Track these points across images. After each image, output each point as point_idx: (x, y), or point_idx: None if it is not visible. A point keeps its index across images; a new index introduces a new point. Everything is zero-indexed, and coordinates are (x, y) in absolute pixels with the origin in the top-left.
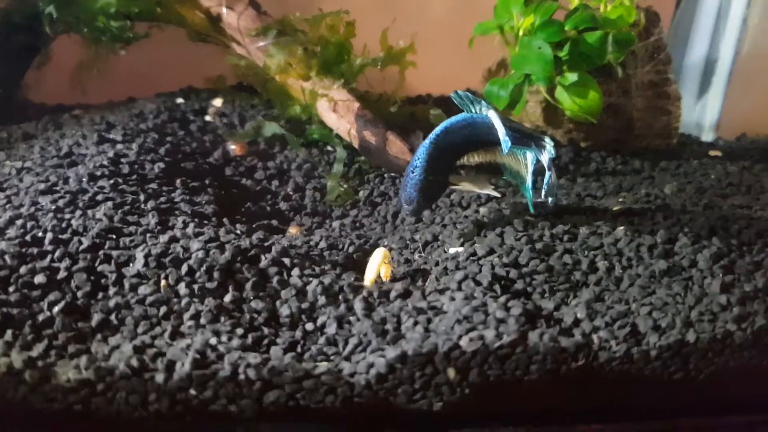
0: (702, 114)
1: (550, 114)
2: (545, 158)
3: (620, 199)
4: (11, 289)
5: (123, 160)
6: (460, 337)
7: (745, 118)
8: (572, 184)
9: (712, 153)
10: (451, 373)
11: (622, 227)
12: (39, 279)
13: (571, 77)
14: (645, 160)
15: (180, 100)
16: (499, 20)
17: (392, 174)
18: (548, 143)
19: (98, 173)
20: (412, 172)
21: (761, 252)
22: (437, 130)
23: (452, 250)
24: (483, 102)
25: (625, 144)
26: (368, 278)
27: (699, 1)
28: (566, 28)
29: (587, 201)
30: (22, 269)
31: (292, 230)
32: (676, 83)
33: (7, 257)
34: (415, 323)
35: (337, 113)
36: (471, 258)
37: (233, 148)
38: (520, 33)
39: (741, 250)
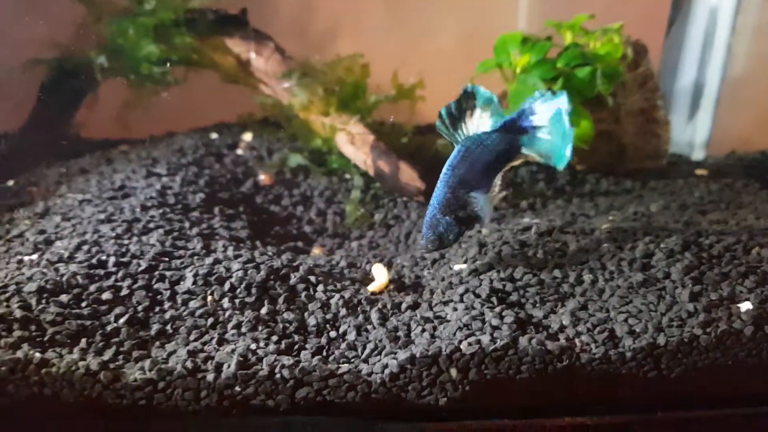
0: (693, 134)
1: None
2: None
3: (610, 218)
4: (84, 304)
5: (168, 191)
6: (460, 341)
7: (734, 136)
8: (568, 205)
9: (698, 172)
10: (454, 372)
11: (606, 244)
12: (106, 296)
13: None
14: (636, 180)
15: (214, 135)
16: (498, 59)
17: (404, 198)
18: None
19: (149, 204)
20: (428, 214)
21: (729, 264)
22: (445, 170)
23: (456, 267)
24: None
25: (618, 166)
26: (377, 285)
27: (686, 30)
28: (558, 65)
29: (580, 219)
30: (92, 287)
31: (316, 251)
32: (665, 109)
33: (78, 278)
34: (423, 330)
35: (354, 145)
36: (472, 273)
37: (262, 178)
38: (518, 70)
39: (711, 263)
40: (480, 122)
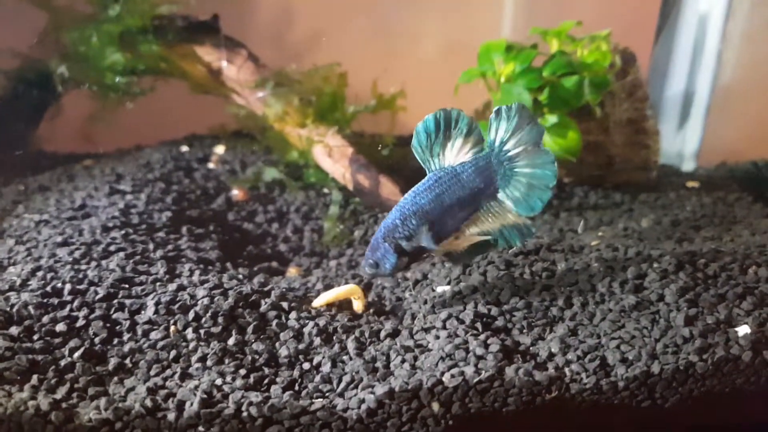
0: (683, 144)
1: None
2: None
3: (599, 234)
4: (35, 337)
5: (133, 210)
6: (443, 373)
7: (724, 146)
8: (555, 219)
9: (690, 185)
10: (436, 406)
11: (596, 264)
12: (60, 327)
13: (551, 119)
14: (625, 193)
15: (185, 148)
16: (482, 67)
17: (385, 214)
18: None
19: (110, 224)
20: (374, 235)
21: (725, 285)
22: (407, 194)
23: (439, 289)
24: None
25: (606, 178)
26: (319, 301)
27: (675, 38)
28: (545, 74)
29: (568, 236)
30: (45, 319)
31: (292, 271)
32: (654, 119)
33: (30, 308)
34: (403, 361)
35: (332, 158)
36: (456, 297)
37: (236, 193)
38: (502, 79)
39: (706, 284)
40: (459, 152)
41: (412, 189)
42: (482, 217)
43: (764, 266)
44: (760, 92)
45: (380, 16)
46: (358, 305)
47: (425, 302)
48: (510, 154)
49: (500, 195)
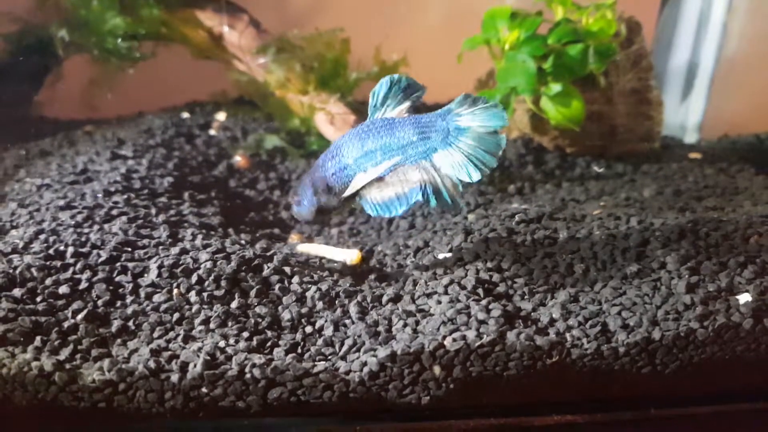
0: (686, 116)
1: (537, 122)
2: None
3: (601, 203)
4: (38, 299)
5: (134, 175)
6: (444, 337)
7: (727, 119)
8: (557, 189)
9: (692, 156)
10: (437, 370)
11: (598, 232)
12: (63, 290)
13: (555, 88)
14: (628, 163)
15: (185, 115)
16: (486, 35)
17: None
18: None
19: (112, 189)
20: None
21: (727, 253)
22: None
23: (441, 256)
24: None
25: (609, 149)
26: (310, 249)
27: (681, 8)
28: (549, 41)
29: (570, 205)
30: (48, 281)
31: (294, 237)
32: (658, 89)
33: (33, 270)
34: (405, 325)
35: (334, 126)
36: (458, 263)
37: (238, 159)
38: (506, 47)
39: (708, 252)
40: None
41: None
42: (409, 171)
43: (766, 235)
44: (765, 65)
45: None
46: (353, 259)
47: (427, 269)
48: (459, 121)
49: (439, 156)
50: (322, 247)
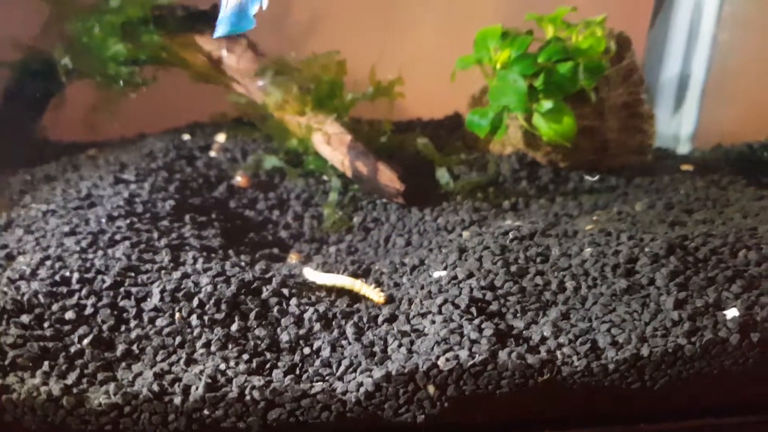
0: (679, 127)
1: (530, 138)
2: None
3: (594, 218)
4: (46, 325)
5: (137, 199)
6: (438, 357)
7: (720, 129)
8: (551, 204)
9: (684, 167)
10: (431, 389)
11: (589, 248)
12: (69, 315)
13: (547, 105)
14: (620, 177)
15: (186, 137)
16: (478, 54)
17: (384, 200)
18: None
19: (115, 213)
20: None
21: (715, 268)
22: None
23: (436, 274)
24: None
25: (602, 163)
26: (315, 277)
27: (671, 21)
28: (540, 60)
29: (563, 220)
30: (54, 307)
31: (293, 257)
32: (649, 103)
33: (40, 296)
34: (400, 345)
35: (331, 146)
36: (452, 281)
37: (238, 180)
38: (498, 66)
39: (696, 267)
40: None
41: None
42: None
43: (754, 249)
44: (755, 75)
45: (379, 3)
46: (379, 297)
47: (422, 287)
48: None
49: None
50: (342, 278)
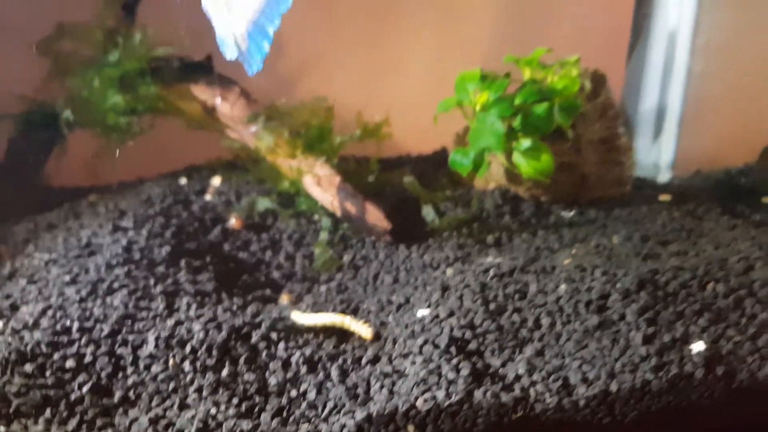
0: (659, 156)
1: (512, 174)
2: None
3: (573, 251)
4: (48, 373)
5: (134, 246)
6: (416, 398)
7: (698, 155)
8: (533, 238)
9: (662, 198)
10: (411, 429)
11: (564, 285)
12: (69, 363)
13: (525, 144)
14: (600, 209)
15: (183, 181)
16: (459, 96)
17: (372, 238)
18: None
19: (114, 262)
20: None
21: (683, 302)
22: None
23: (420, 313)
24: None
25: (582, 195)
26: (303, 319)
27: (646, 55)
28: (516, 102)
29: (544, 254)
30: (56, 356)
31: (284, 298)
32: (626, 136)
33: (42, 346)
34: (382, 387)
35: (321, 187)
36: (434, 320)
37: (232, 222)
38: (477, 108)
39: (666, 302)
40: None
41: None
42: None
43: (722, 282)
44: (728, 102)
45: (367, 46)
46: (367, 332)
47: (406, 326)
48: None
49: None
50: (331, 316)
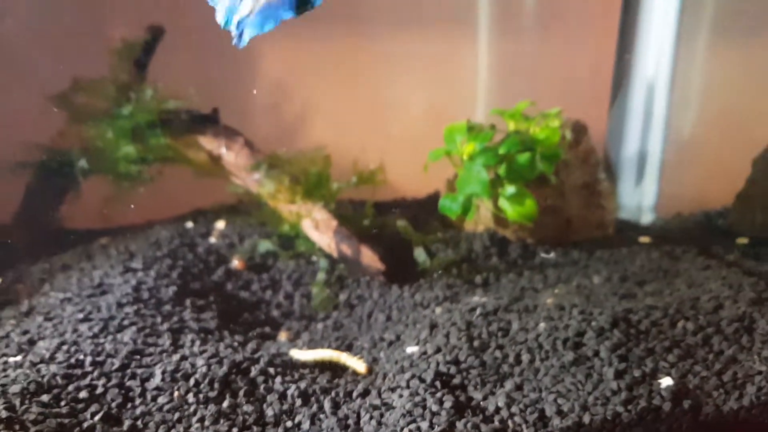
0: (641, 199)
1: (499, 218)
2: None
3: (555, 291)
4: (62, 403)
5: (143, 286)
6: (402, 429)
7: (679, 199)
8: (519, 278)
9: (642, 240)
10: None
11: (543, 323)
12: (83, 394)
13: (510, 190)
14: (583, 250)
15: (189, 224)
16: (448, 146)
17: (367, 279)
18: None
19: (124, 300)
20: None
21: (654, 339)
22: None
23: (409, 350)
24: None
25: (566, 237)
26: (300, 355)
27: (627, 104)
28: (501, 151)
29: (528, 294)
30: (70, 387)
31: (283, 335)
32: (608, 181)
33: (58, 378)
34: (371, 418)
35: (319, 230)
36: (422, 356)
37: (235, 263)
38: (465, 157)
39: (638, 339)
40: None
41: None
42: None
43: (692, 320)
44: (706, 149)
45: (364, 98)
46: (361, 367)
47: (396, 362)
48: None
49: None
50: (327, 352)
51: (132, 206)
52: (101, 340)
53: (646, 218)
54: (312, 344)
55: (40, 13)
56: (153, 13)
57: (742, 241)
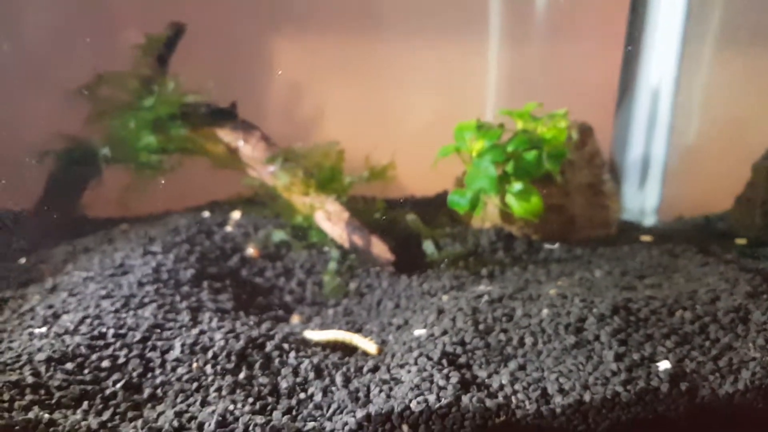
0: (644, 201)
1: (505, 213)
2: None
3: (558, 283)
4: (86, 371)
5: (162, 268)
6: (411, 400)
7: (681, 202)
8: (524, 272)
9: (643, 238)
10: (405, 428)
11: (547, 310)
12: (105, 363)
13: (517, 186)
14: (586, 247)
15: (206, 214)
16: (457, 143)
17: (377, 268)
18: None
19: (144, 280)
20: None
21: (653, 326)
22: None
23: (417, 332)
24: None
25: (570, 235)
26: (315, 335)
27: (632, 110)
28: (509, 149)
29: (532, 286)
30: (93, 357)
31: (295, 318)
32: (611, 182)
33: (82, 348)
34: (380, 391)
35: (331, 222)
36: (429, 338)
37: (250, 251)
38: (474, 154)
39: (637, 326)
40: None
41: None
42: None
43: (689, 310)
44: (708, 154)
45: (377, 97)
46: (372, 348)
47: (404, 343)
48: None
49: None
50: (339, 333)
51: (151, 195)
52: (123, 315)
53: (649, 220)
54: (323, 328)
55: (67, 10)
56: (178, 9)
57: (741, 241)
